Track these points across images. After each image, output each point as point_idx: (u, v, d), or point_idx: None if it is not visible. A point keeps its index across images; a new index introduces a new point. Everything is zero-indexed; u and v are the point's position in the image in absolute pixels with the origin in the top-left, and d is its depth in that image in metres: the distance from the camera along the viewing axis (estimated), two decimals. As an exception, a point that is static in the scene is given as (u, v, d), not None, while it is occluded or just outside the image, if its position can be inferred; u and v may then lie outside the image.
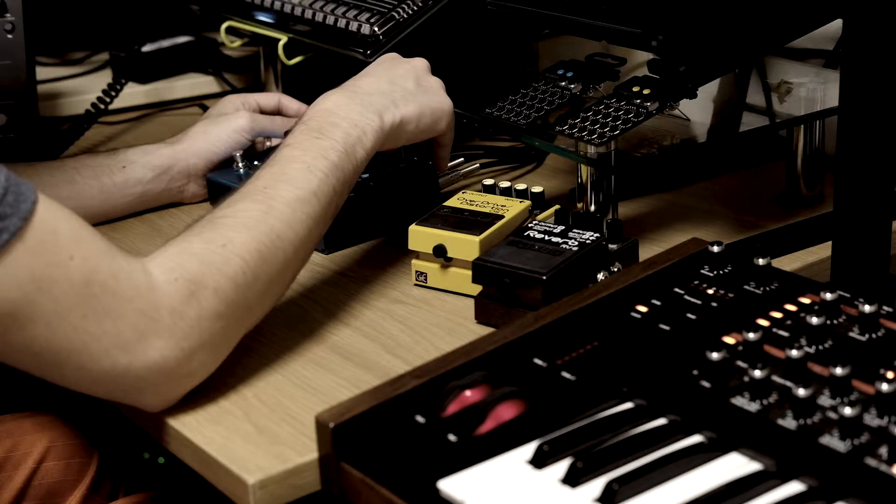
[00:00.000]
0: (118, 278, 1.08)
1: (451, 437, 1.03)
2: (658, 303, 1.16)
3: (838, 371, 1.00)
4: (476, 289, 1.29)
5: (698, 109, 1.47)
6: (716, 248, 1.21)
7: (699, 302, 1.16)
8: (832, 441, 0.97)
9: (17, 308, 1.04)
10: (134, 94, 1.95)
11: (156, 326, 1.09)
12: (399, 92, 1.36)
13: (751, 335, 1.07)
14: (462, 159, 1.59)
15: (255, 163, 1.55)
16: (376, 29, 1.58)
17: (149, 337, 1.09)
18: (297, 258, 1.22)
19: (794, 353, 1.03)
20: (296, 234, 1.20)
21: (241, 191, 1.22)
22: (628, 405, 1.05)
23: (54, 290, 1.05)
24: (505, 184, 1.47)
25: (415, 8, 1.59)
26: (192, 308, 1.11)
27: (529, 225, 1.34)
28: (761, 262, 1.17)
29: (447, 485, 0.98)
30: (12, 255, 1.03)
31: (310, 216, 1.22)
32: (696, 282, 1.19)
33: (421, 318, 1.30)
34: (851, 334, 1.08)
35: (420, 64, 1.42)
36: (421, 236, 1.35)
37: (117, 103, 1.85)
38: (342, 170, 1.26)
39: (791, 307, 1.13)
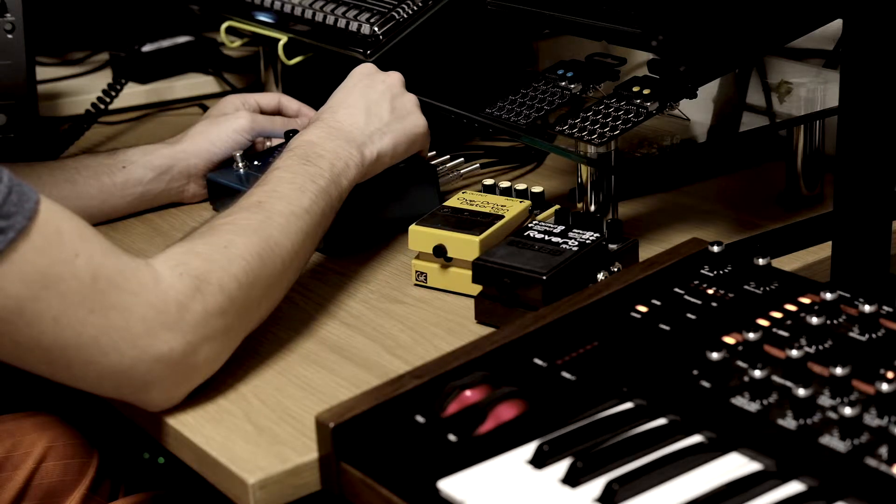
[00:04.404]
0: (124, 274, 1.09)
1: (451, 437, 1.03)
2: (658, 303, 1.16)
3: (838, 371, 1.00)
4: (476, 289, 1.29)
5: (698, 109, 1.47)
6: (716, 248, 1.21)
7: (699, 302, 1.16)
8: (832, 441, 0.97)
9: (24, 305, 1.05)
10: (134, 94, 1.95)
11: (163, 319, 1.10)
12: (375, 124, 1.39)
13: (751, 335, 1.06)
14: (462, 159, 1.58)
15: (256, 163, 1.55)
16: (376, 29, 1.58)
17: (157, 329, 1.10)
18: (292, 268, 1.24)
19: (794, 353, 1.03)
20: (291, 244, 1.23)
21: (237, 204, 1.25)
22: (628, 405, 1.05)
23: (61, 287, 1.06)
24: (505, 184, 1.46)
25: (415, 8, 1.59)
26: (198, 302, 1.12)
27: (529, 225, 1.33)
28: (761, 262, 1.17)
29: (447, 485, 0.98)
30: (19, 253, 1.04)
31: (302, 230, 1.25)
32: (696, 282, 1.19)
33: (421, 318, 1.30)
34: (851, 334, 1.08)
35: (394, 81, 1.43)
36: (421, 236, 1.35)
37: (117, 103, 1.85)
38: (329, 195, 1.29)
39: (791, 307, 1.13)
